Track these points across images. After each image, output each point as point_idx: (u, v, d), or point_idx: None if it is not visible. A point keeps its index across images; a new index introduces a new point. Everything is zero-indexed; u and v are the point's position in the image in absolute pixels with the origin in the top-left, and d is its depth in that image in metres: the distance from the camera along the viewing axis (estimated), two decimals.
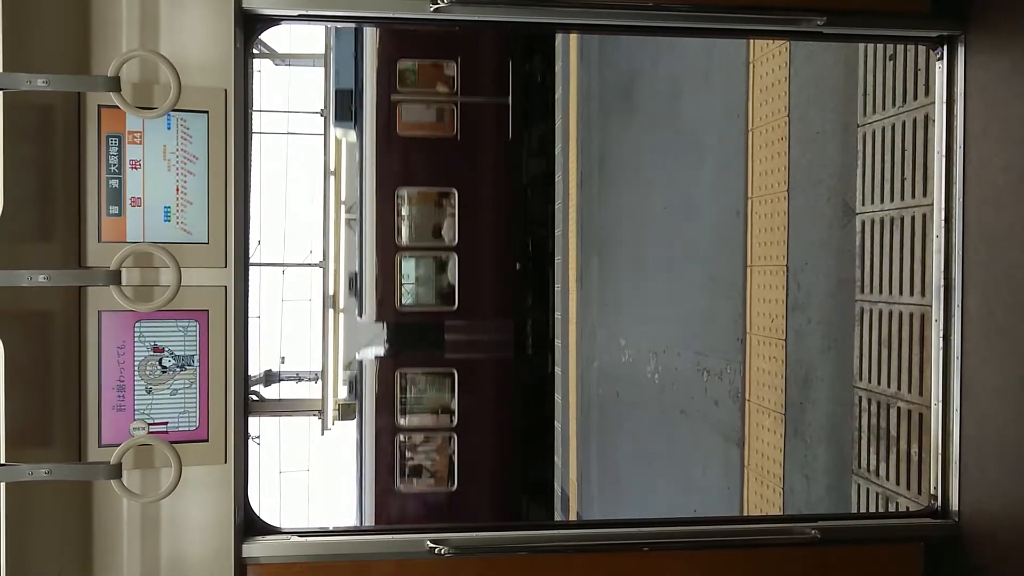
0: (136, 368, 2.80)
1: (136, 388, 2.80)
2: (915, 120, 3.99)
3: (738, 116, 6.11)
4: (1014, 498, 2.85)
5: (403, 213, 12.16)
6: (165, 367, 2.81)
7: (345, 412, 12.27)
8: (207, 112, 2.80)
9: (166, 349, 2.81)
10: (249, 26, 2.92)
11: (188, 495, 2.80)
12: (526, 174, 12.89)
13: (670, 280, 8.05)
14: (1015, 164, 2.89)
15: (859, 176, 4.47)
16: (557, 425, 12.87)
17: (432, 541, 2.91)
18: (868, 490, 4.37)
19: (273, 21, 2.96)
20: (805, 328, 5.13)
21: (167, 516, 2.82)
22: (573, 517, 11.65)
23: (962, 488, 3.11)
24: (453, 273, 12.20)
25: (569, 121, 12.31)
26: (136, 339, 2.79)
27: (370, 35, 11.94)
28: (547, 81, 13.14)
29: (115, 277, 2.58)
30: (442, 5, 2.88)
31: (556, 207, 12.90)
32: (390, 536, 2.99)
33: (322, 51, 12.46)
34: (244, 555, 2.89)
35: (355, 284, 12.27)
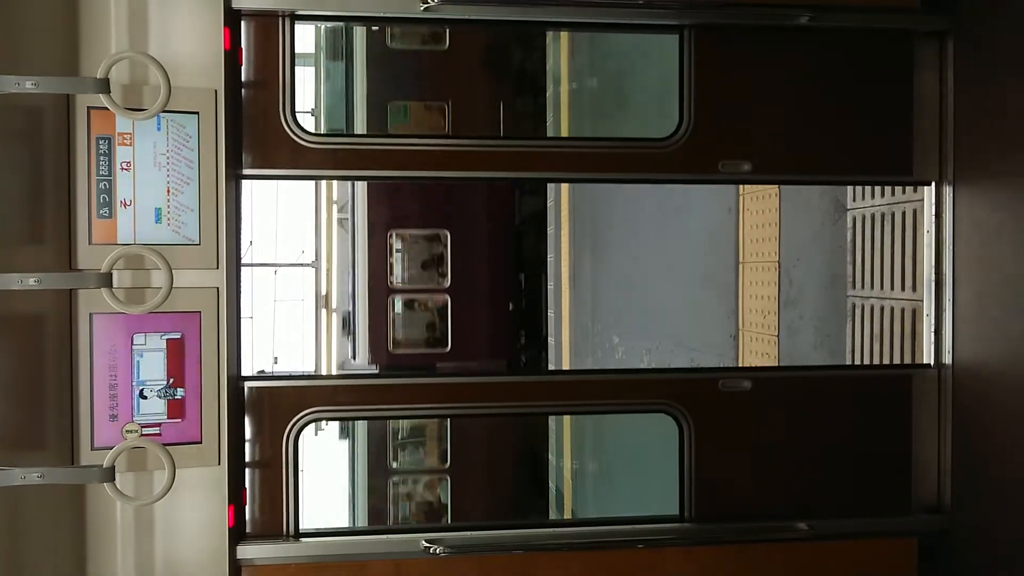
0: (129, 370, 2.79)
1: (129, 390, 2.79)
2: None
3: None
4: (1005, 494, 2.87)
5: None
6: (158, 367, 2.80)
7: None
8: (197, 113, 2.79)
9: (158, 350, 2.80)
10: (238, 26, 2.91)
11: (182, 497, 2.79)
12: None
13: (663, 277, 8.06)
14: (1004, 159, 2.90)
15: None
16: (552, 424, 12.86)
17: (427, 541, 2.91)
18: None
19: None
20: (797, 324, 5.14)
21: (161, 519, 2.81)
22: (568, 516, 11.63)
23: (954, 484, 3.12)
24: None
25: (560, 118, 12.30)
26: (128, 341, 2.78)
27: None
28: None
29: (106, 279, 2.57)
30: (431, 4, 2.88)
31: (548, 204, 12.85)
32: (385, 536, 2.99)
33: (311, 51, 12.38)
34: (239, 557, 2.88)
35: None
